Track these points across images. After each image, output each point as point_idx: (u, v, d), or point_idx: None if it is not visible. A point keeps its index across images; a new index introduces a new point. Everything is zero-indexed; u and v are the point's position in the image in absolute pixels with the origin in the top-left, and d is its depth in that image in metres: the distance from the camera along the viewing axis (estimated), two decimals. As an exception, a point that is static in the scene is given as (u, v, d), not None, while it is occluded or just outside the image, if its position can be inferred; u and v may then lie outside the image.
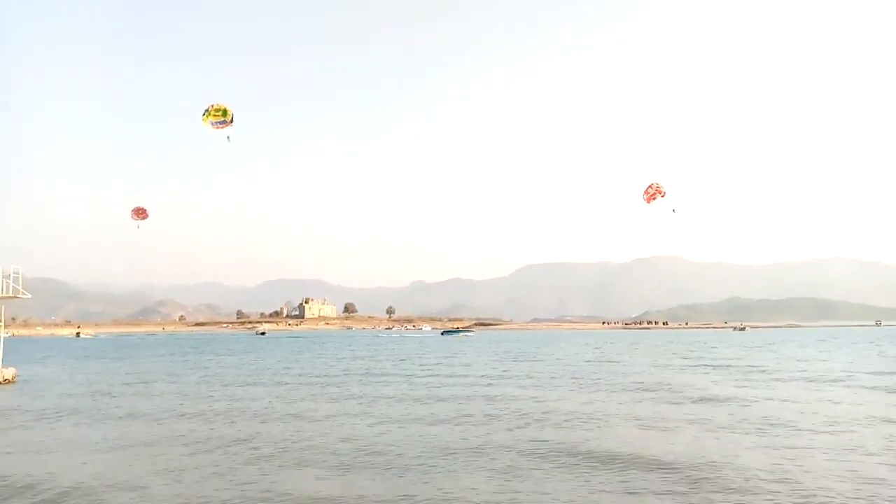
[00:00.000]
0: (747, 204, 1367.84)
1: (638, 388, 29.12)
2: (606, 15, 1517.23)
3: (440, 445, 15.70)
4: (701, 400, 24.64)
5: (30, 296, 33.49)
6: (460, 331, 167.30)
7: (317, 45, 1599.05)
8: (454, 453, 14.74)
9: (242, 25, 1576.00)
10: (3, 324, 33.84)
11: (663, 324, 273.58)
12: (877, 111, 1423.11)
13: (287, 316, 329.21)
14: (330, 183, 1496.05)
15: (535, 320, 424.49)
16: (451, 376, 36.94)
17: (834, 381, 32.59)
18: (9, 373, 34.14)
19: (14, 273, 32.03)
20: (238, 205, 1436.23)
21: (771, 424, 18.47)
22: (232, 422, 20.12)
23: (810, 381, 32.60)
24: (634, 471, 12.92)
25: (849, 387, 29.38)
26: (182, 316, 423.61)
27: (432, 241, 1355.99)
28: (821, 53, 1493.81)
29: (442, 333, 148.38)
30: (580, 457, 14.25)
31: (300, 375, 38.87)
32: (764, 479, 12.13)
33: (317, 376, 38.00)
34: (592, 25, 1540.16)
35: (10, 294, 31.92)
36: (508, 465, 13.47)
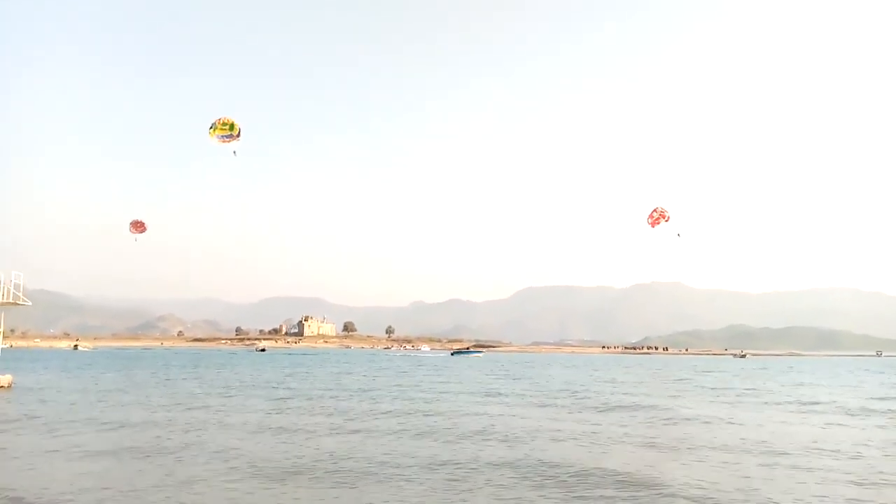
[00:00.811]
0: (748, 231, 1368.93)
1: (607, 408, 29.05)
2: (606, 41, 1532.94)
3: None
4: (670, 420, 24.59)
5: (30, 303, 33.74)
6: (471, 351, 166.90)
7: (318, 64, 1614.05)
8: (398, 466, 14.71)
9: (248, 38, 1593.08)
10: (1, 332, 34.05)
11: (663, 349, 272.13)
12: (878, 142, 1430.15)
13: (286, 333, 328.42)
14: (332, 202, 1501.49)
15: (535, 343, 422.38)
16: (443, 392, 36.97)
17: (812, 404, 32.83)
18: (5, 380, 34.36)
19: (15, 279, 32.34)
20: (239, 221, 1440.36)
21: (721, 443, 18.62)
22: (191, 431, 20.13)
23: (779, 403, 32.83)
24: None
25: (819, 412, 29.24)
26: (181, 331, 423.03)
27: (433, 262, 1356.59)
28: (822, 83, 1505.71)
29: (451, 354, 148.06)
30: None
31: (292, 389, 38.90)
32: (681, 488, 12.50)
33: (309, 391, 38.04)
34: (592, 49, 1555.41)
35: (11, 300, 32.15)
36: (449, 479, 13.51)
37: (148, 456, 15.59)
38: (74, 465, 14.57)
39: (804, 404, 32.70)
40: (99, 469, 14.20)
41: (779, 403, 33.06)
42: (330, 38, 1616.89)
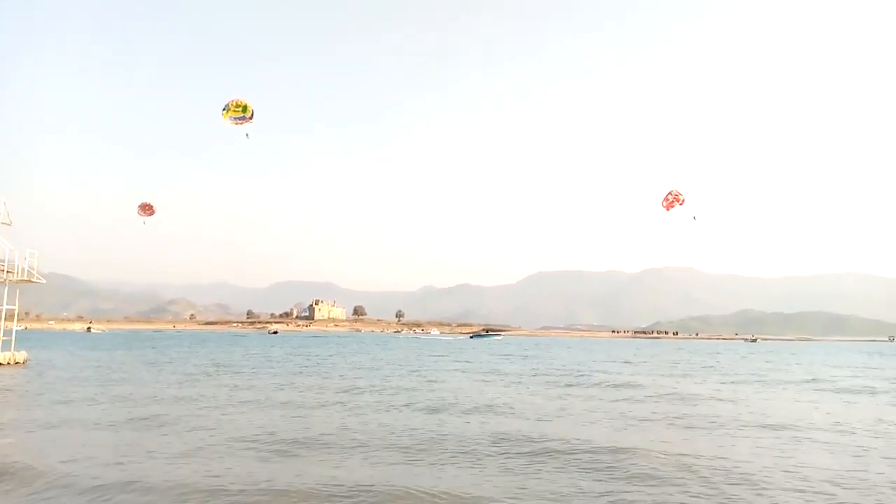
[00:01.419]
0: (760, 216, 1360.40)
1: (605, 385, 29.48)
2: (617, 23, 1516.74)
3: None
4: (660, 396, 24.77)
5: (44, 281, 34.16)
6: (490, 334, 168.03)
7: (334, 48, 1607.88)
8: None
9: (261, 25, 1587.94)
10: (17, 308, 34.42)
11: (674, 334, 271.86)
12: (890, 129, 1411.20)
13: (297, 317, 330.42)
14: (343, 189, 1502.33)
15: (545, 328, 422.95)
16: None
17: (803, 382, 33.40)
18: (21, 356, 34.95)
19: (29, 258, 32.67)
20: (251, 206, 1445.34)
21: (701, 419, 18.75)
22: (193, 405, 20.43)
23: (770, 383, 33.02)
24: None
25: (817, 390, 29.48)
26: (193, 315, 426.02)
27: (442, 247, 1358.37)
28: (836, 70, 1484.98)
29: (471, 337, 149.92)
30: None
31: (305, 366, 39.31)
32: (659, 464, 12.43)
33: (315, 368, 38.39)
34: (602, 35, 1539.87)
35: (25, 277, 32.52)
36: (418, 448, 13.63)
37: (153, 427, 15.77)
38: (82, 435, 14.76)
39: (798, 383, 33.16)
40: (103, 438, 14.36)
41: (775, 383, 33.31)
42: (342, 26, 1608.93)
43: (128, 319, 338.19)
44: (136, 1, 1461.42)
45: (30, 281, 33.01)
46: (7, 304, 32.77)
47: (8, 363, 33.34)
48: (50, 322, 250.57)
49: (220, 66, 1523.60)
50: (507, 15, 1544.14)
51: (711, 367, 47.88)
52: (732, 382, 32.75)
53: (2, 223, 31.60)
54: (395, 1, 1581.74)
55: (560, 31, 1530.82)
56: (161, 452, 12.77)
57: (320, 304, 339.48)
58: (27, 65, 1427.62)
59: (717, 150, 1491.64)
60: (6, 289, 32.60)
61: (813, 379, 36.24)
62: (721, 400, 23.94)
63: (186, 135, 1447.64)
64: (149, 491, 10.05)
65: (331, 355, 55.82)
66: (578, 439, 14.50)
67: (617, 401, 22.97)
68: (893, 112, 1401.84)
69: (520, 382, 30.20)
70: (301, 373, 34.17)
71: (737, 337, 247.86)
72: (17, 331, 35.17)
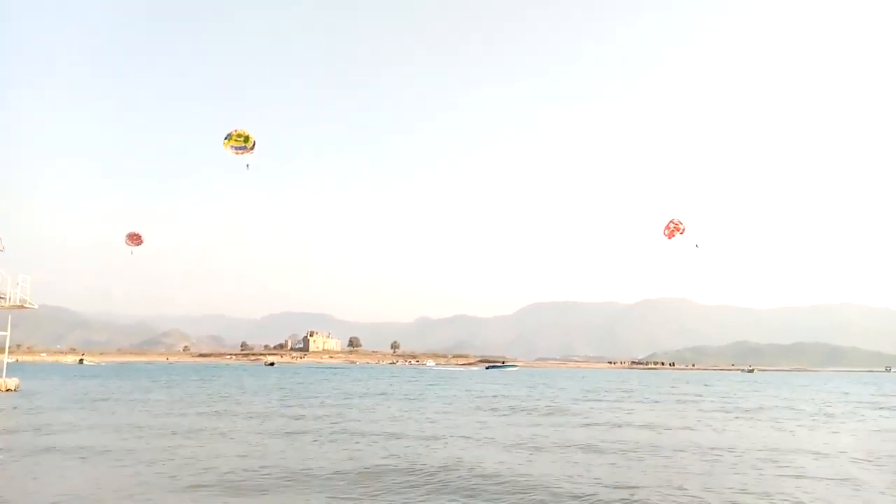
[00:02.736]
0: (755, 246, 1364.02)
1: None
2: (609, 56, 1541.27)
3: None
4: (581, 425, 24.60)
5: (36, 306, 33.96)
6: (506, 365, 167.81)
7: (324, 79, 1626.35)
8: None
9: (257, 51, 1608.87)
10: (8, 334, 34.22)
11: (670, 365, 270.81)
12: (886, 158, 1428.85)
13: (291, 349, 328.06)
14: (338, 218, 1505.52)
15: (541, 359, 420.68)
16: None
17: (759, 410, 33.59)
18: (12, 383, 34.68)
19: (22, 283, 32.56)
20: (245, 237, 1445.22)
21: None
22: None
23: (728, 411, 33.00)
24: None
25: (764, 419, 29.26)
26: (186, 346, 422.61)
27: (438, 278, 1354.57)
28: (824, 101, 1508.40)
29: (486, 368, 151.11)
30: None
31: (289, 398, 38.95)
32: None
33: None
34: (594, 66, 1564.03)
35: (18, 303, 32.37)
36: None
37: (140, 460, 14.98)
38: (62, 465, 14.48)
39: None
40: (80, 469, 14.05)
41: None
42: (334, 56, 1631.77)
43: (121, 351, 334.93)
44: (130, 16, 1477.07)
45: (22, 307, 32.86)
46: (-1, 330, 32.58)
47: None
48: (42, 354, 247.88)
49: (215, 97, 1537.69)
50: (500, 40, 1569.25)
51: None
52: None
53: (-5, 249, 31.61)
54: (389, 31, 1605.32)
55: (553, 61, 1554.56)
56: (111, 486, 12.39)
57: (315, 335, 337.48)
58: (19, 91, 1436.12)
59: (711, 179, 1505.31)
60: (-2, 315, 32.46)
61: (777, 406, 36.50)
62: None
63: (180, 164, 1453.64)
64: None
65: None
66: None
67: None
68: (889, 142, 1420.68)
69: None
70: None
71: (733, 368, 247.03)
72: (7, 363, 34.92)
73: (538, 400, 38.22)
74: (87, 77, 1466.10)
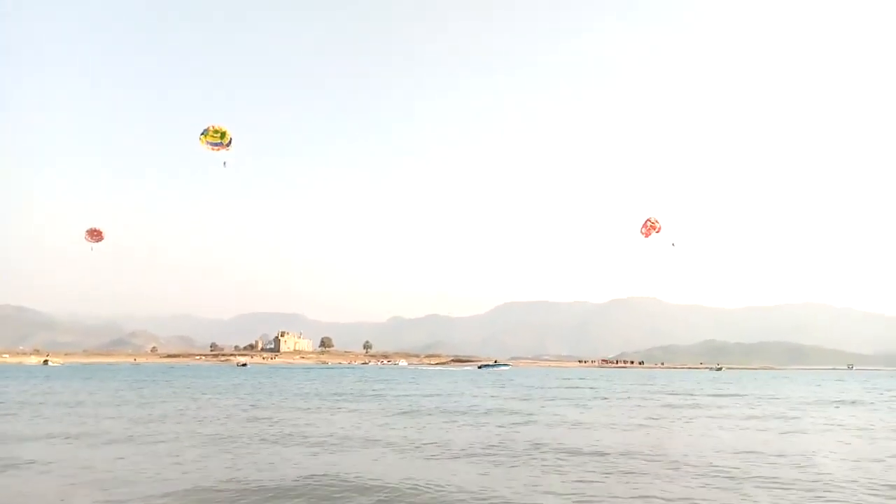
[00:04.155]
0: (724, 248, 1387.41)
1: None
2: (586, 54, 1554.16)
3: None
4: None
5: None
6: (498, 364, 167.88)
7: (302, 77, 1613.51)
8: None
9: (243, 53, 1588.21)
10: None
11: (639, 363, 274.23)
12: (849, 159, 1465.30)
13: (262, 349, 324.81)
14: (309, 218, 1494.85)
15: (514, 358, 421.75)
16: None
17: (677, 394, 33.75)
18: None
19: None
20: (214, 236, 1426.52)
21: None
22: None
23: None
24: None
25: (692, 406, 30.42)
26: (154, 347, 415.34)
27: (411, 278, 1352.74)
28: (793, 103, 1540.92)
29: (479, 367, 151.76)
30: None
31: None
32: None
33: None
34: (570, 60, 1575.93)
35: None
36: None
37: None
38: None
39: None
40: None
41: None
42: (313, 54, 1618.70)
43: (87, 353, 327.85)
44: (125, 11, 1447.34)
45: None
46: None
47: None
48: (4, 355, 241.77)
49: (187, 87, 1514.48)
50: (476, 31, 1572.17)
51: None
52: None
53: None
54: (362, 23, 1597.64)
55: (522, 59, 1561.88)
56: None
57: (286, 335, 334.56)
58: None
59: (680, 180, 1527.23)
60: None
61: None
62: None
63: (152, 158, 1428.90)
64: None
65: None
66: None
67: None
68: (851, 144, 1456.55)
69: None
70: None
71: (702, 366, 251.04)
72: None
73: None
74: (54, 64, 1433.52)
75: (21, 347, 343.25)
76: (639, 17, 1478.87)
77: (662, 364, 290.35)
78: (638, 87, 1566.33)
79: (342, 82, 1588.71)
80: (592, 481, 13.46)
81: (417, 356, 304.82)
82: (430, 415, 28.54)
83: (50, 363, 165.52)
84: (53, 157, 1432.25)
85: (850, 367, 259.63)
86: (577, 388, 58.29)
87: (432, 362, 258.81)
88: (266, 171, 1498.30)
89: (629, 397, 43.36)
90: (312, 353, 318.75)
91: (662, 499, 11.88)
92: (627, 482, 13.35)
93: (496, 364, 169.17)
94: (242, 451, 17.05)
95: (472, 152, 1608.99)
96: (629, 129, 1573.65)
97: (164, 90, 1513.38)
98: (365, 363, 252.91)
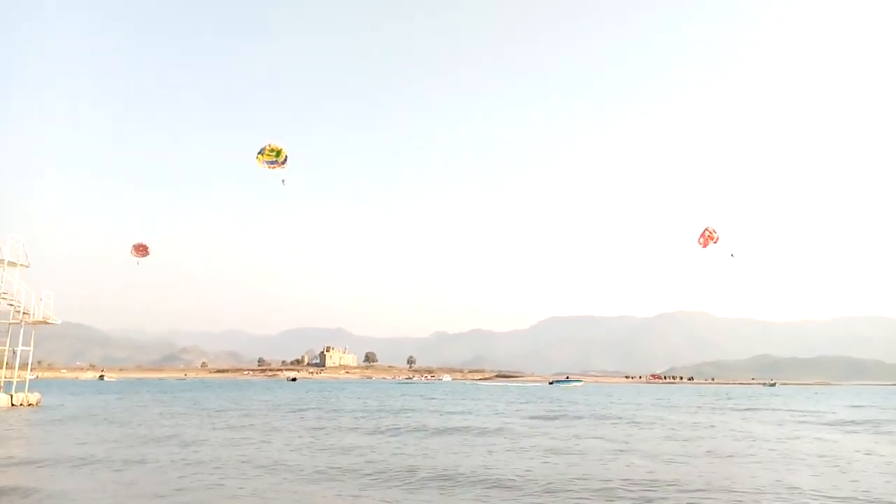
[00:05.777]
0: (773, 258, 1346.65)
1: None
2: (622, 67, 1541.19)
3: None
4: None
5: (59, 322, 34.53)
6: (570, 381, 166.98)
7: (335, 89, 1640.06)
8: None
9: (282, 63, 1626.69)
10: (32, 349, 34.81)
11: (689, 379, 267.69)
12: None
13: (308, 364, 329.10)
14: (353, 233, 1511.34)
15: (558, 374, 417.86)
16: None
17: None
18: (34, 397, 35.20)
19: (45, 298, 33.16)
20: (261, 253, 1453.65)
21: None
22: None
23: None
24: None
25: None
26: (204, 363, 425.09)
27: (454, 293, 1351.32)
28: (848, 113, 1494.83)
29: (550, 383, 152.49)
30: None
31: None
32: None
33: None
34: (606, 79, 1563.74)
35: (41, 319, 32.96)
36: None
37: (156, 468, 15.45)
38: (84, 472, 14.81)
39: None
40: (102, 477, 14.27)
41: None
42: (346, 64, 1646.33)
43: (140, 368, 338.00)
44: (137, 25, 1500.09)
45: (45, 322, 33.44)
46: (23, 345, 33.15)
47: (21, 404, 33.58)
48: (62, 371, 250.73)
49: (238, 107, 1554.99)
50: (503, 63, 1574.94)
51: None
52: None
53: (20, 265, 32.20)
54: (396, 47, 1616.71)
55: (569, 76, 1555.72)
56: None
57: (331, 350, 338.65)
58: (37, 103, 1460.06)
59: (727, 191, 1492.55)
60: (21, 330, 33.01)
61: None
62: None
63: (197, 180, 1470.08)
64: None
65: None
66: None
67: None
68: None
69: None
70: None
71: (754, 381, 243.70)
72: (29, 378, 35.44)
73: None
74: (106, 87, 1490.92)
75: (78, 363, 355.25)
76: (705, 18, 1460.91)
77: (713, 379, 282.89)
78: (687, 98, 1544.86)
79: (389, 99, 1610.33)
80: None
81: (461, 371, 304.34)
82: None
83: (105, 378, 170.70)
84: (113, 176, 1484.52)
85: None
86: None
87: (476, 377, 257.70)
88: (310, 187, 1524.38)
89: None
90: (357, 367, 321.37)
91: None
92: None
93: (567, 380, 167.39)
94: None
95: (517, 166, 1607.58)
96: (677, 141, 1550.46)
97: (204, 110, 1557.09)
98: (409, 378, 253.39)
